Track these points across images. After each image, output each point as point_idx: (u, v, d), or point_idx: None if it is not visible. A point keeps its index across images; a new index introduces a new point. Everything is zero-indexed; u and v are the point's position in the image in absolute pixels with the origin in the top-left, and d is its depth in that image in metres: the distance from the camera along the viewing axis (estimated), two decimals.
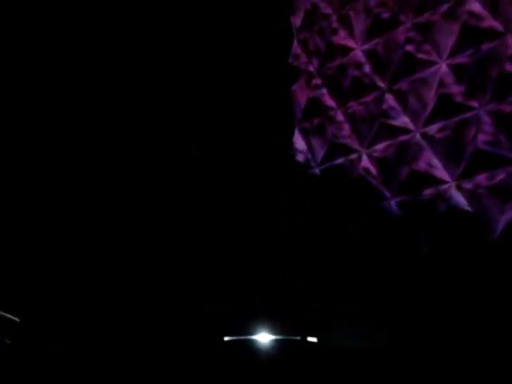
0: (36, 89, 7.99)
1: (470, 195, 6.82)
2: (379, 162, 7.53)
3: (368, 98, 7.64)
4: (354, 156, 7.73)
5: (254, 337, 3.49)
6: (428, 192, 7.13)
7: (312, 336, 3.48)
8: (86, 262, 6.79)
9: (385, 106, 7.46)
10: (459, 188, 6.86)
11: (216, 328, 3.79)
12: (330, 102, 8.00)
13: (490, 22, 6.68)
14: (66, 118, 8.06)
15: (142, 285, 6.10)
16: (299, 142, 8.22)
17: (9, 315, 5.48)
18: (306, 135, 8.19)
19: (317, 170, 8.01)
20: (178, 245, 6.83)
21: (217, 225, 7.37)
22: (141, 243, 6.83)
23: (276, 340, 3.45)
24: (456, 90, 6.93)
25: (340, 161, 7.84)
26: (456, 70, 6.92)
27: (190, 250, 6.74)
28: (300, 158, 8.21)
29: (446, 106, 7.00)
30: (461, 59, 6.89)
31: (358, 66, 7.67)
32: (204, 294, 5.39)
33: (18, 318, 5.49)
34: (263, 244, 6.98)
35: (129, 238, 6.98)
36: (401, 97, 7.35)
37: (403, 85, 7.31)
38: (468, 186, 6.85)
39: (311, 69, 8.21)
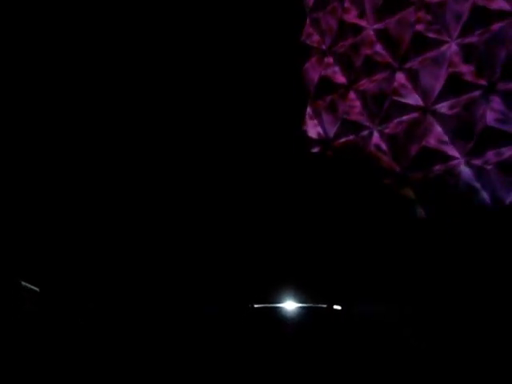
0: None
1: (479, 171, 7.03)
2: (390, 138, 7.72)
3: (379, 76, 7.81)
4: (365, 133, 7.92)
5: (281, 305, 3.69)
6: (438, 168, 7.32)
7: (337, 304, 3.67)
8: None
9: (396, 84, 7.63)
10: (468, 164, 7.06)
11: (244, 296, 3.97)
12: (341, 79, 8.17)
13: (500, 4, 6.84)
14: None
15: (168, 257, 6.28)
16: (311, 120, 8.39)
17: (29, 285, 5.66)
18: (318, 112, 8.36)
19: (328, 147, 8.20)
20: (202, 216, 6.99)
21: (240, 197, 7.52)
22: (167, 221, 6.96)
23: (302, 308, 3.65)
24: (465, 69, 7.10)
25: (351, 138, 8.02)
26: (465, 49, 7.09)
27: (215, 221, 6.93)
28: (312, 134, 8.39)
29: (455, 85, 7.17)
30: (470, 39, 7.06)
31: (370, 44, 7.83)
32: (232, 263, 5.59)
33: (38, 288, 5.67)
34: (285, 216, 7.17)
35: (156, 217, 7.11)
36: (411, 75, 7.52)
37: (414, 63, 7.48)
38: (477, 162, 7.05)
39: (323, 47, 8.37)
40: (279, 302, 3.81)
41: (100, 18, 8.26)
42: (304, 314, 3.63)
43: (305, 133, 8.37)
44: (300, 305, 3.77)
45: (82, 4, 8.25)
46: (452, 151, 7.21)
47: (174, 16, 8.34)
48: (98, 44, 8.25)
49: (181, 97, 8.29)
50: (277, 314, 3.68)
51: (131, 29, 8.27)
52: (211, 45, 8.34)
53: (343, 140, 8.11)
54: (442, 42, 7.25)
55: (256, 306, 3.64)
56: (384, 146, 7.73)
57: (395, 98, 7.61)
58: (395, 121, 7.65)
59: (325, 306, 3.74)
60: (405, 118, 7.56)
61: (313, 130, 8.38)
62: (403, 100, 7.58)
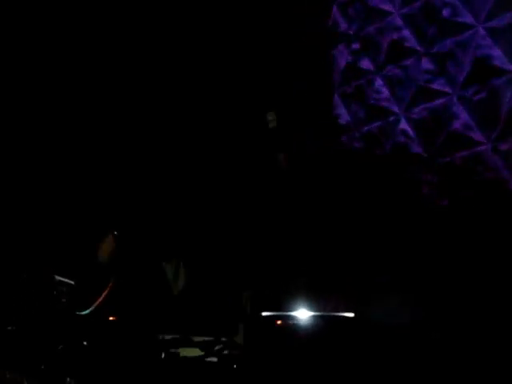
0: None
1: (506, 157, 7.02)
2: (417, 124, 7.75)
3: (406, 62, 7.81)
4: (392, 118, 7.95)
5: (293, 313, 3.74)
6: (464, 154, 7.34)
7: (350, 312, 3.71)
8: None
9: (422, 69, 7.63)
10: (495, 150, 7.06)
11: (256, 304, 4.00)
12: (368, 65, 8.19)
13: None
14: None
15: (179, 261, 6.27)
16: (339, 106, 8.45)
17: (65, 279, 5.86)
18: (345, 99, 8.41)
19: (356, 133, 8.27)
20: (212, 220, 7.01)
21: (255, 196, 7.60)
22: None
23: (315, 316, 3.71)
24: (493, 53, 7.07)
25: (378, 123, 8.07)
26: (493, 33, 7.05)
27: (228, 225, 6.99)
28: (340, 120, 8.45)
29: (482, 70, 7.15)
30: (497, 23, 7.01)
31: (397, 29, 7.82)
32: (245, 271, 5.62)
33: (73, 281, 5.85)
34: (300, 219, 7.24)
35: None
36: (438, 60, 7.51)
37: (440, 48, 7.46)
38: (504, 147, 7.04)
39: (350, 33, 8.39)
40: (291, 310, 3.88)
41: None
42: (318, 322, 3.71)
43: (333, 119, 8.44)
44: (314, 313, 3.85)
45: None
46: (478, 136, 7.21)
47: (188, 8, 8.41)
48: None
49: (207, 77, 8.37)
50: (288, 322, 3.76)
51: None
52: (240, 29, 8.42)
53: (370, 126, 8.16)
54: (469, 26, 7.21)
55: (265, 314, 3.72)
56: (411, 132, 7.76)
57: (422, 83, 7.62)
58: (422, 106, 7.67)
59: (340, 314, 3.80)
60: (431, 103, 7.57)
61: (340, 116, 8.44)
62: (430, 85, 7.58)
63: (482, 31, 7.12)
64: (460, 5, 7.28)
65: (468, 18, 7.22)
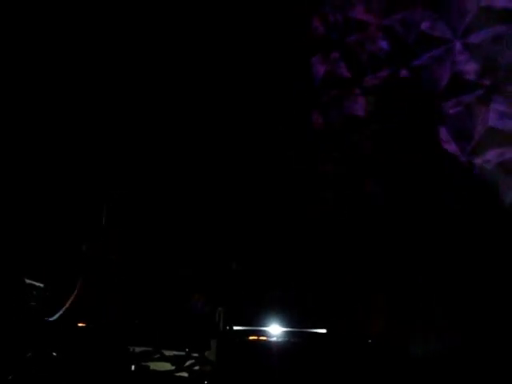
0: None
1: (480, 169, 7.11)
2: (391, 135, 7.80)
3: (384, 73, 7.85)
4: (368, 129, 7.99)
5: (266, 328, 3.71)
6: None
7: (322, 328, 3.69)
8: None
9: (401, 81, 7.68)
10: (470, 163, 7.14)
11: (229, 319, 3.96)
12: (347, 74, 8.20)
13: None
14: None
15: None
16: (316, 114, 8.45)
17: (33, 281, 5.79)
18: (323, 107, 8.42)
19: (333, 142, 8.28)
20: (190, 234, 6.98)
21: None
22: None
23: (286, 332, 3.69)
24: (469, 68, 7.14)
25: (356, 133, 8.10)
26: (469, 48, 7.13)
27: (202, 237, 6.96)
28: (318, 128, 8.46)
29: (458, 83, 7.22)
30: (474, 38, 7.09)
31: (375, 41, 7.85)
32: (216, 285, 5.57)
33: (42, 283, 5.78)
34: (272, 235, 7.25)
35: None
36: (416, 73, 7.56)
37: (418, 61, 7.51)
38: (478, 161, 7.13)
39: (330, 42, 8.39)
40: (264, 326, 3.85)
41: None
42: (290, 338, 3.69)
43: (310, 127, 8.44)
44: (286, 329, 3.82)
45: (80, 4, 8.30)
46: (454, 149, 7.29)
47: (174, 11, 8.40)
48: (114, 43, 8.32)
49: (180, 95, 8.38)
50: (261, 338, 3.72)
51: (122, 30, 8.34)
52: (218, 38, 8.41)
53: (347, 135, 8.18)
54: (447, 41, 7.27)
55: (236, 328, 3.69)
56: (384, 143, 7.81)
57: (399, 93, 7.66)
58: (398, 117, 7.71)
59: (309, 329, 3.79)
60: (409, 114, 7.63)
61: (317, 124, 8.45)
62: (408, 97, 7.63)
63: (459, 46, 7.18)
64: (438, 19, 7.34)
65: (446, 33, 7.27)
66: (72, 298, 5.19)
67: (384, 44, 7.75)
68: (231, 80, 8.43)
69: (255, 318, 4.11)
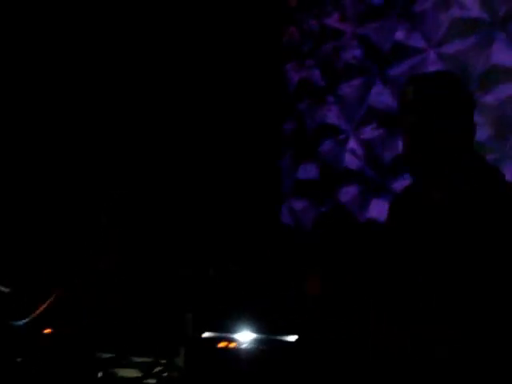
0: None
1: None
2: (366, 144, 7.81)
3: (358, 82, 7.87)
4: (342, 137, 8.00)
5: (235, 335, 3.65)
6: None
7: (293, 335, 3.63)
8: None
9: (374, 91, 7.70)
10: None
11: (198, 325, 3.88)
12: (321, 83, 8.22)
13: None
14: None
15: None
16: (290, 121, 8.46)
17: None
18: (296, 114, 8.42)
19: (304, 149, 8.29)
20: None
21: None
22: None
23: (257, 339, 3.63)
24: None
25: (328, 141, 8.10)
26: (443, 58, 7.17)
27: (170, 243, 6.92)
28: (290, 135, 8.46)
29: None
30: (448, 48, 7.14)
31: (350, 49, 7.88)
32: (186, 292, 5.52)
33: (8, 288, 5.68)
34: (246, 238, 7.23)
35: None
36: (390, 82, 7.59)
37: (393, 70, 7.54)
38: None
39: (305, 50, 8.41)
40: (234, 332, 3.78)
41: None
42: (260, 345, 3.62)
43: (283, 133, 8.44)
44: (257, 336, 3.75)
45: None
46: None
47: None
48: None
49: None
50: (231, 344, 3.65)
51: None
52: (188, 47, 8.40)
53: (320, 142, 8.18)
54: (421, 51, 7.31)
55: (205, 335, 3.62)
56: (359, 151, 7.82)
57: (373, 103, 7.69)
58: (371, 126, 7.73)
59: (279, 337, 3.72)
60: (381, 124, 7.64)
61: (290, 131, 8.45)
62: (380, 107, 7.65)
63: (433, 55, 7.23)
64: (413, 29, 7.38)
65: (420, 43, 7.31)
66: (43, 307, 5.09)
67: (358, 52, 7.79)
68: (204, 87, 8.41)
69: (225, 325, 4.06)
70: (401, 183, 7.42)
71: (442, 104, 3.33)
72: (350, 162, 7.86)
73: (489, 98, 6.89)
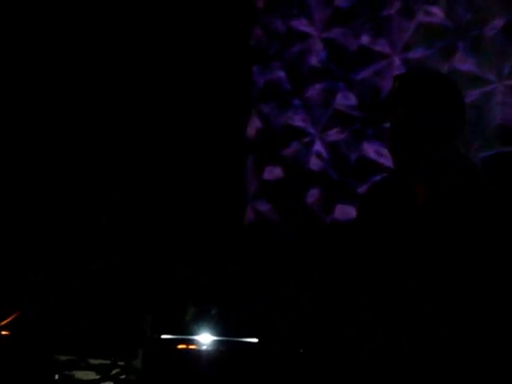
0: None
1: None
2: (331, 146, 7.85)
3: (324, 85, 7.91)
4: (307, 139, 8.03)
5: (195, 337, 3.63)
6: (376, 178, 7.44)
7: (254, 337, 3.61)
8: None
9: (339, 94, 7.75)
10: None
11: (157, 327, 3.84)
12: (287, 85, 8.24)
13: None
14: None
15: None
16: (256, 124, 8.46)
17: None
18: (262, 117, 8.43)
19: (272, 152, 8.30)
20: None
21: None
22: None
23: (217, 341, 3.62)
24: None
25: (294, 143, 8.13)
26: (408, 64, 7.24)
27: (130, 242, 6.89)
28: (257, 139, 8.46)
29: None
30: (412, 54, 7.21)
31: (316, 53, 7.92)
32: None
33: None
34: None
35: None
36: (355, 86, 7.64)
37: (357, 75, 7.59)
38: None
39: (271, 52, 8.42)
40: (194, 334, 3.76)
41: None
42: (220, 347, 3.60)
43: (249, 137, 8.44)
44: (217, 338, 3.73)
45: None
46: (389, 163, 7.33)
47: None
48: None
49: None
50: (190, 347, 3.62)
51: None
52: (156, 49, 8.37)
53: (286, 145, 8.20)
54: (386, 56, 7.38)
55: (164, 336, 3.60)
56: (325, 154, 7.86)
57: (337, 107, 7.74)
58: (336, 129, 7.78)
59: (241, 339, 3.71)
60: (346, 127, 7.70)
61: (257, 134, 8.45)
62: (346, 110, 7.70)
63: (397, 61, 7.29)
64: (379, 34, 7.44)
65: (385, 48, 7.38)
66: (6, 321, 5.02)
67: (324, 56, 7.83)
68: (170, 87, 8.39)
69: (185, 327, 4.04)
70: (366, 186, 7.49)
71: (428, 99, 3.38)
72: (316, 164, 7.90)
73: None
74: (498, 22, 6.53)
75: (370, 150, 7.47)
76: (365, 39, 7.51)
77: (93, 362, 3.75)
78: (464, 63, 6.93)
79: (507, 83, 6.30)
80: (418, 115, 3.33)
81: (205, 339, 3.55)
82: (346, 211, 7.67)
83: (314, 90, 7.93)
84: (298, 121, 8.07)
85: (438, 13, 7.11)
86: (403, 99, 3.36)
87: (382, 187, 3.99)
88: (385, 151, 7.34)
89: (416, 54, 7.18)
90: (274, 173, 8.22)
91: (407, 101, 3.35)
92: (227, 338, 4.00)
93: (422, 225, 3.54)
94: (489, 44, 6.72)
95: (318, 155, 7.89)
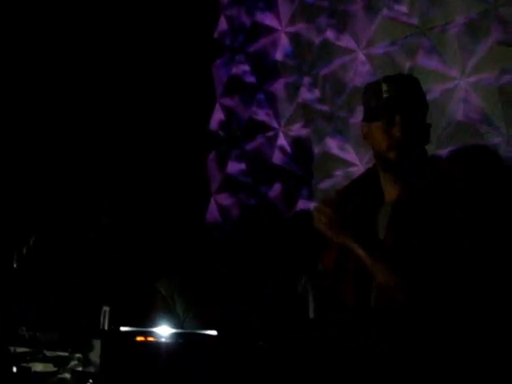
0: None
1: None
2: (294, 140, 7.86)
3: (288, 80, 7.91)
4: (271, 133, 8.03)
5: (154, 329, 3.58)
6: (338, 173, 7.47)
7: (212, 329, 3.58)
8: None
9: (303, 89, 7.75)
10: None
11: (115, 319, 3.79)
12: (251, 79, 8.23)
13: None
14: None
15: None
16: (219, 117, 8.43)
17: None
18: (226, 111, 8.40)
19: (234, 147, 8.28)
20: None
21: None
22: None
23: (175, 333, 3.58)
24: (372, 79, 7.26)
25: (258, 137, 8.12)
26: (372, 59, 7.26)
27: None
28: (219, 134, 8.43)
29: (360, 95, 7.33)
30: (376, 50, 7.23)
31: (281, 47, 7.92)
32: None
33: None
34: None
35: None
36: (318, 81, 7.65)
37: (321, 70, 7.59)
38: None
39: (236, 46, 8.40)
40: (152, 327, 3.72)
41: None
42: (179, 339, 3.56)
43: (211, 131, 8.41)
44: (175, 330, 3.69)
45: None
46: (352, 158, 7.36)
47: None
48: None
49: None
50: (149, 339, 3.57)
51: None
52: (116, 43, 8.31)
53: (250, 139, 8.19)
54: (350, 51, 7.38)
55: (123, 329, 3.55)
56: (288, 148, 7.86)
57: (302, 102, 7.74)
58: (300, 124, 7.78)
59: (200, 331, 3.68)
60: (310, 122, 7.70)
61: (220, 129, 8.43)
62: (310, 105, 7.70)
63: (361, 56, 7.31)
64: (343, 29, 7.45)
65: (350, 43, 7.38)
66: None
67: (288, 50, 7.83)
68: (132, 82, 8.32)
69: (144, 319, 4.00)
70: (328, 182, 7.52)
71: (413, 99, 3.70)
72: (279, 158, 7.90)
73: None
74: (462, 19, 6.56)
75: (333, 144, 7.48)
76: (329, 34, 7.50)
77: (49, 354, 3.68)
78: (427, 60, 6.97)
79: (469, 80, 6.33)
80: (409, 114, 3.59)
81: (163, 331, 3.50)
82: (307, 206, 7.68)
83: (279, 84, 7.93)
84: (261, 115, 8.06)
85: (401, 9, 7.13)
86: (397, 100, 3.59)
87: (352, 185, 4.05)
88: (348, 146, 7.37)
89: (380, 49, 7.20)
90: (236, 167, 8.21)
91: (400, 102, 3.60)
92: (186, 331, 3.96)
93: (391, 223, 3.57)
94: (452, 41, 6.77)
95: (282, 149, 7.90)
